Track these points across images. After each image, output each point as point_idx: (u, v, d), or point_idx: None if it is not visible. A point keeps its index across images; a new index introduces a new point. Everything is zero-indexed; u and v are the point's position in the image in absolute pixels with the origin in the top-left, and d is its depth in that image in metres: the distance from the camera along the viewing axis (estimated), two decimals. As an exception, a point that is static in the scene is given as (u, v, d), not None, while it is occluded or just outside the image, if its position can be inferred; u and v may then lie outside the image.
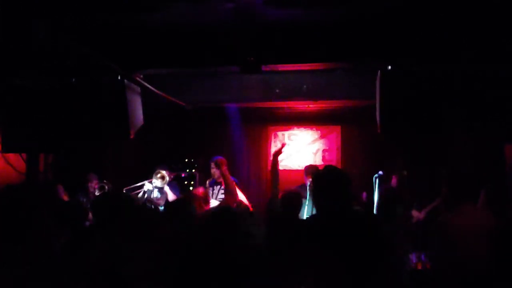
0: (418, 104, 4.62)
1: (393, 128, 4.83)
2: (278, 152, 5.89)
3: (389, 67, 4.75)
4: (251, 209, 6.85)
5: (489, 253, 3.42)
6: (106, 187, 6.86)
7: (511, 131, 5.30)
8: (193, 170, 9.39)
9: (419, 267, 5.88)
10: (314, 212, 6.08)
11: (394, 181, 7.38)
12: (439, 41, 4.79)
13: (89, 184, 7.05)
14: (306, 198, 6.42)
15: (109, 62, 5.08)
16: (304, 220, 4.26)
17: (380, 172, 6.67)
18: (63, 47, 4.89)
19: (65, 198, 5.30)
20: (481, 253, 3.53)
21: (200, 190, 5.74)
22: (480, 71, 4.59)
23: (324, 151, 9.86)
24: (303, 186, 6.63)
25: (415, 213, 7.13)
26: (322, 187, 3.45)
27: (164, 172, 7.35)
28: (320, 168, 7.52)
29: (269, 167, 9.85)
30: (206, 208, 5.43)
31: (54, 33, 4.63)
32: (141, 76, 5.51)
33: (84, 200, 6.92)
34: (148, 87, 5.75)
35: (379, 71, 4.73)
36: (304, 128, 9.91)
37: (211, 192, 7.13)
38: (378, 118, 4.78)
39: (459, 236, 3.66)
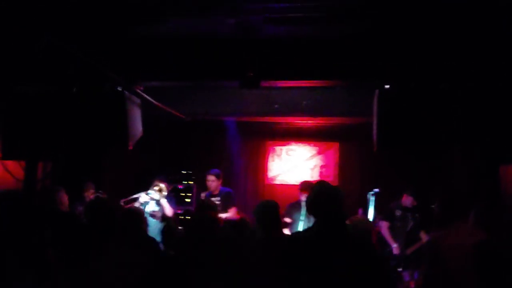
0: (414, 123, 4.65)
1: (389, 147, 4.87)
2: None
3: (387, 86, 4.79)
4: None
5: (471, 271, 3.46)
6: (102, 197, 6.85)
7: (506, 152, 5.35)
8: (191, 182, 9.41)
9: (412, 286, 5.90)
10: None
11: (405, 199, 7.30)
12: (437, 60, 4.84)
13: (85, 193, 7.04)
14: (301, 214, 6.43)
15: (110, 73, 5.12)
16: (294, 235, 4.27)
17: (376, 190, 6.69)
18: (65, 57, 4.93)
19: (66, 204, 5.28)
20: (465, 271, 3.57)
21: None
22: (476, 91, 4.64)
23: (321, 167, 9.89)
24: (298, 202, 6.63)
25: (423, 235, 7.04)
26: (315, 204, 3.47)
27: (162, 185, 7.35)
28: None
29: (267, 181, 9.95)
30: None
31: (56, 43, 4.68)
32: (142, 88, 5.56)
33: (80, 209, 6.93)
34: (148, 99, 5.79)
35: (376, 89, 4.78)
36: (302, 143, 9.95)
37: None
38: (374, 136, 4.82)
39: (450, 254, 3.71)
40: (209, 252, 3.91)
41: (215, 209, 5.66)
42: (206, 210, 5.28)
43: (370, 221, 4.75)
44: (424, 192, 7.28)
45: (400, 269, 6.78)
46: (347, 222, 3.65)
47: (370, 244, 3.61)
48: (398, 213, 7.28)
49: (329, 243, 3.28)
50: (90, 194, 7.02)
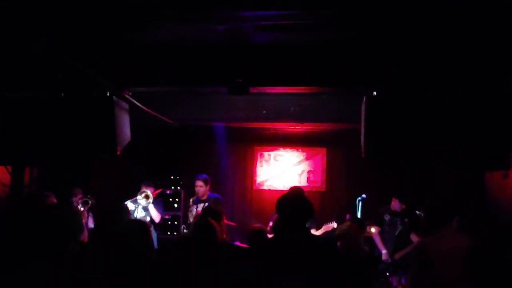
0: (402, 130, 4.69)
1: (377, 153, 4.90)
2: None
3: (374, 93, 4.83)
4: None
5: (465, 274, 3.53)
6: (90, 202, 6.83)
7: (491, 159, 5.41)
8: (178, 188, 9.40)
9: (399, 291, 5.92)
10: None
11: (393, 203, 7.33)
12: (424, 68, 4.90)
13: (73, 199, 7.01)
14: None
15: (99, 78, 5.11)
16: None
17: (364, 195, 6.72)
18: (54, 62, 4.92)
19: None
20: (457, 275, 3.63)
21: None
22: (463, 99, 4.69)
23: (309, 172, 9.93)
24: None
25: (413, 237, 7.06)
26: (283, 213, 3.60)
27: (148, 192, 7.36)
28: (305, 189, 7.66)
29: (255, 187, 9.97)
30: None
31: (45, 48, 4.66)
32: (130, 93, 5.55)
33: (68, 214, 6.88)
34: (136, 104, 5.78)
35: (364, 96, 4.82)
36: (290, 149, 9.99)
37: (195, 210, 7.18)
38: (362, 143, 4.85)
39: (436, 260, 3.76)
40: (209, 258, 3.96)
41: (220, 217, 5.49)
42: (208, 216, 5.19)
43: (356, 227, 4.79)
44: (412, 196, 7.32)
45: (388, 274, 6.81)
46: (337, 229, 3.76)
47: (336, 250, 3.72)
48: (387, 217, 7.31)
49: (290, 247, 3.40)
50: (77, 200, 6.99)
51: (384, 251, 7.08)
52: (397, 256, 6.95)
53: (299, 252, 3.36)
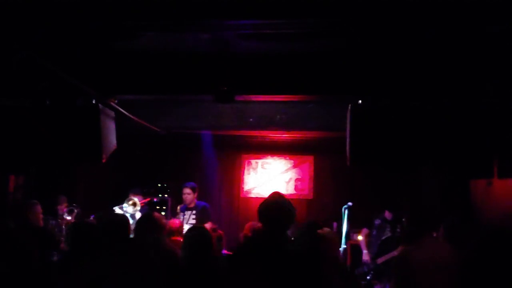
0: (387, 138, 4.72)
1: (362, 161, 4.93)
2: None
3: (360, 101, 4.86)
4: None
5: (447, 284, 3.54)
6: (75, 210, 6.79)
7: (476, 168, 5.46)
8: (165, 195, 9.38)
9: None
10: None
11: (386, 213, 7.35)
12: (409, 77, 4.93)
13: (59, 207, 6.97)
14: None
15: (85, 86, 5.10)
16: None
17: (349, 203, 6.74)
18: (39, 69, 4.90)
19: (39, 219, 5.25)
20: (440, 285, 3.64)
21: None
22: (447, 108, 4.74)
23: (296, 180, 9.94)
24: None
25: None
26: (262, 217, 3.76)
27: (136, 199, 7.34)
28: (292, 197, 7.68)
29: (242, 195, 9.95)
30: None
31: (30, 55, 4.64)
32: (116, 101, 5.54)
33: (53, 223, 6.85)
34: (122, 112, 5.77)
35: (349, 104, 4.84)
36: (278, 157, 10.00)
37: (182, 217, 7.17)
38: (347, 151, 4.88)
39: (419, 268, 3.76)
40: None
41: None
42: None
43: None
44: (400, 203, 7.36)
45: (369, 277, 6.82)
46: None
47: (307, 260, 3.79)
48: (377, 222, 7.35)
49: (262, 252, 3.54)
50: (63, 208, 6.96)
51: (364, 251, 7.13)
52: (379, 260, 6.96)
53: (268, 260, 3.41)
